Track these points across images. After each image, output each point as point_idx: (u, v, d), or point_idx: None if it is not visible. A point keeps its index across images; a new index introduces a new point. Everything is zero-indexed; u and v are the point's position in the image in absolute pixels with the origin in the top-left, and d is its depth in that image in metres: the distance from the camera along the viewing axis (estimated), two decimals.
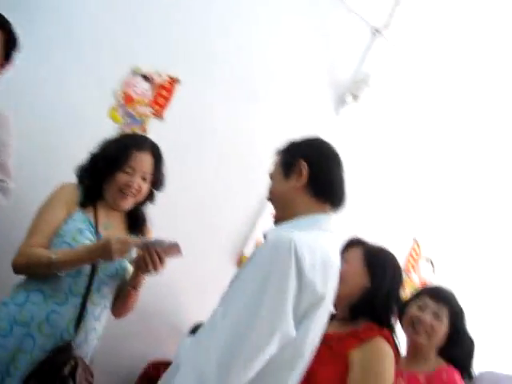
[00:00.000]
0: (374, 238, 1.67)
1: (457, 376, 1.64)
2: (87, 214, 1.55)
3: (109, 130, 2.08)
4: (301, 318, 1.09)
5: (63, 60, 2.10)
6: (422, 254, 3.16)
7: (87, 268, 1.46)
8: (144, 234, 1.67)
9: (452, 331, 1.67)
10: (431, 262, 3.21)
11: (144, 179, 1.58)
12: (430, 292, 1.76)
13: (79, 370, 1.40)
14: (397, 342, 1.50)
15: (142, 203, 1.66)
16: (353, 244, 1.61)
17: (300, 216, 1.23)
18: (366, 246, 1.59)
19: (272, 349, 1.05)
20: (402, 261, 2.92)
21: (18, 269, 1.46)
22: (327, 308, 1.19)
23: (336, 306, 1.42)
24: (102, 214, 1.58)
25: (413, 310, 1.72)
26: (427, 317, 1.68)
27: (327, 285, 1.15)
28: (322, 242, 1.18)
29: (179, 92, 2.33)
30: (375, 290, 1.48)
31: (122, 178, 1.54)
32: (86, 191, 1.57)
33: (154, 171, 1.60)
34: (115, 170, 1.54)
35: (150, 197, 1.66)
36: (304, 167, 1.22)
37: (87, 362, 1.47)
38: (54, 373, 1.36)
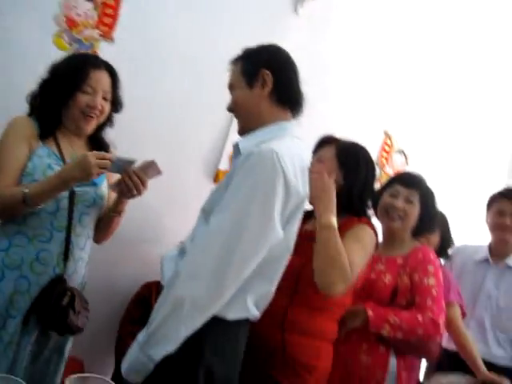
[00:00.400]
0: (345, 134, 1.70)
1: (432, 254, 1.76)
2: (50, 146, 1.49)
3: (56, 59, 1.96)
4: (288, 219, 1.19)
5: None
6: (394, 147, 3.22)
7: (65, 202, 1.45)
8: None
9: (423, 213, 1.76)
10: (404, 154, 3.29)
11: (105, 99, 1.52)
12: (401, 179, 1.83)
13: (77, 300, 1.45)
14: (375, 229, 1.58)
15: (102, 127, 1.60)
16: (326, 142, 1.64)
17: (266, 125, 1.26)
18: (339, 143, 1.62)
19: (261, 255, 1.14)
20: (374, 155, 2.99)
21: None
22: (304, 206, 1.29)
23: (312, 204, 1.47)
24: (65, 144, 1.52)
25: (386, 198, 1.80)
26: (399, 202, 1.75)
27: (306, 187, 1.25)
28: (295, 149, 1.24)
29: (126, 8, 2.17)
30: (350, 186, 1.55)
31: (82, 98, 1.47)
32: (43, 121, 1.47)
33: (112, 90, 1.54)
34: (74, 91, 1.46)
35: (108, 120, 1.60)
36: (267, 76, 1.25)
37: (80, 291, 1.51)
38: (53, 305, 1.40)
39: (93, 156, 1.35)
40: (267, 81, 1.26)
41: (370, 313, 1.57)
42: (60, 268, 1.45)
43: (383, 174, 3.09)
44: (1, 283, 1.40)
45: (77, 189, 1.47)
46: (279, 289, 1.31)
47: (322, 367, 1.50)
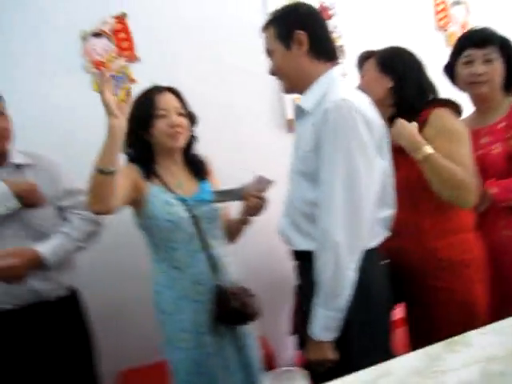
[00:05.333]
0: None
1: None
2: (156, 183, 1.59)
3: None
4: (379, 149, 1.29)
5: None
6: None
7: (192, 230, 1.58)
8: (208, 175, 1.74)
9: (508, 65, 1.60)
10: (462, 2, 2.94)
11: (181, 114, 1.61)
12: (470, 40, 1.64)
13: (241, 296, 1.60)
14: (457, 105, 1.53)
15: (190, 146, 1.70)
16: (365, 58, 1.62)
17: (312, 80, 1.34)
18: (377, 53, 1.59)
19: (376, 191, 1.28)
20: (431, 19, 2.75)
21: (94, 203, 1.36)
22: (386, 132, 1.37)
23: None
24: (168, 176, 1.63)
25: (461, 69, 1.66)
26: (478, 68, 1.60)
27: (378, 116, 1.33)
28: (352, 88, 1.35)
29: (133, 25, 2.23)
30: (400, 85, 1.53)
31: (161, 122, 1.57)
32: (143, 163, 1.58)
33: (182, 105, 1.63)
34: (151, 120, 1.57)
35: (192, 136, 1.69)
36: (303, 35, 1.32)
37: (241, 288, 1.65)
38: (228, 312, 1.57)
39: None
40: (303, 40, 1.32)
41: (493, 190, 1.52)
42: (216, 280, 1.60)
43: (450, 35, 2.81)
44: (182, 312, 1.58)
45: (196, 212, 1.59)
46: (400, 207, 1.40)
47: (477, 257, 1.51)
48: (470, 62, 1.63)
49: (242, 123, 2.39)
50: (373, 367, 1.01)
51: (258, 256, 2.31)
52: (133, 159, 1.61)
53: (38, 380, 1.63)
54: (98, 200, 1.33)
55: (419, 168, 1.42)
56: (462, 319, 1.42)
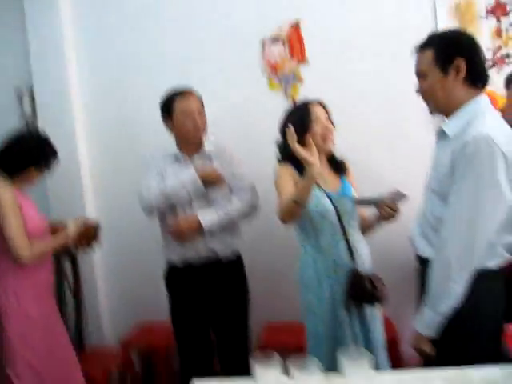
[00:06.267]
0: None
1: None
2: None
3: (278, 100, 2.53)
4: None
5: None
6: None
7: (335, 220, 1.88)
8: (347, 173, 2.03)
9: None
10: None
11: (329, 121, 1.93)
12: None
13: (373, 280, 1.86)
14: None
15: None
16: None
17: (461, 104, 1.43)
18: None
19: (498, 219, 1.37)
20: None
21: (284, 219, 1.80)
22: None
23: None
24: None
25: None
26: None
27: None
28: (497, 119, 1.42)
29: (306, 30, 2.52)
30: None
31: (316, 126, 1.88)
32: (297, 163, 1.83)
33: (328, 115, 1.96)
34: (309, 124, 1.88)
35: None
36: (462, 63, 1.39)
37: (373, 273, 1.91)
38: (362, 290, 1.84)
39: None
40: (461, 67, 1.39)
41: None
42: (351, 264, 1.88)
43: None
44: (320, 289, 1.90)
45: (338, 205, 1.88)
46: None
47: None
48: None
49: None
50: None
51: (387, 249, 2.46)
52: (288, 158, 1.92)
53: (209, 319, 2.19)
54: (288, 219, 1.80)
55: None
56: None
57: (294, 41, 2.54)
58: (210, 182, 2.09)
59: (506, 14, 2.43)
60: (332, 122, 1.96)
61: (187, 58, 2.63)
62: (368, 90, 2.48)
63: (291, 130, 1.71)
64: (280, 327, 2.55)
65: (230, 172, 2.16)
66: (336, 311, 1.89)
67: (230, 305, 2.19)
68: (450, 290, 1.39)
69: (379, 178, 2.30)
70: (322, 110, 1.93)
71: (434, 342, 1.45)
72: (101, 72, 2.77)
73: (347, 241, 1.90)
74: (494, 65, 2.43)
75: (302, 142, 1.76)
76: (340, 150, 2.03)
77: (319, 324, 1.91)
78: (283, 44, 2.55)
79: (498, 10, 2.42)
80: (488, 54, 2.41)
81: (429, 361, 1.46)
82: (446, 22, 2.39)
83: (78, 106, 2.77)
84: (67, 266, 2.64)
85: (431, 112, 1.54)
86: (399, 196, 1.82)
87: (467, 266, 1.37)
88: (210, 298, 2.17)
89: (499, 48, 2.44)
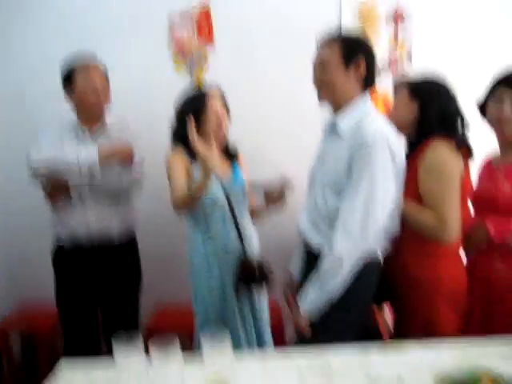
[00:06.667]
0: None
1: None
2: (197, 165, 1.85)
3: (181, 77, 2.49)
4: (397, 179, 1.51)
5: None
6: None
7: (226, 206, 1.91)
8: (238, 159, 2.06)
9: None
10: None
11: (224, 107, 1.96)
12: (504, 81, 1.70)
13: (263, 265, 1.92)
14: (466, 142, 1.68)
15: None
16: (399, 83, 1.78)
17: (349, 100, 1.54)
18: (411, 82, 1.73)
19: (387, 212, 1.50)
20: None
21: (178, 206, 1.81)
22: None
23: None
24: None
25: (491, 108, 1.73)
26: (507, 109, 1.67)
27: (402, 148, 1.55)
28: (383, 119, 1.55)
29: (216, 13, 2.50)
30: (422, 111, 1.68)
31: (213, 117, 1.90)
32: (189, 147, 1.81)
33: (224, 102, 1.98)
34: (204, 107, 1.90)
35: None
36: (362, 63, 1.51)
37: (260, 257, 1.98)
38: (250, 274, 1.90)
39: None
40: (361, 66, 1.51)
41: (491, 227, 1.65)
42: (240, 248, 1.93)
43: None
44: (212, 268, 1.93)
45: (229, 191, 1.92)
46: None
47: (448, 281, 1.67)
48: (499, 102, 1.70)
49: None
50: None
51: (273, 234, 2.53)
52: (179, 138, 1.92)
53: (97, 298, 2.12)
54: (183, 209, 1.83)
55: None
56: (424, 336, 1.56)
57: (202, 20, 2.50)
58: (122, 159, 2.02)
59: (403, 21, 2.63)
60: (228, 109, 1.97)
61: (92, 24, 2.50)
62: (270, 78, 2.53)
63: (192, 121, 1.71)
64: (172, 308, 2.56)
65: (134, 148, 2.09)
66: (225, 294, 1.94)
67: (120, 285, 2.14)
68: (338, 272, 1.47)
69: (271, 166, 2.33)
70: (219, 97, 1.94)
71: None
72: None
73: (238, 229, 1.94)
74: (389, 67, 2.62)
75: (197, 129, 1.77)
76: (235, 135, 2.05)
77: (208, 305, 1.94)
78: (191, 21, 2.50)
79: (397, 18, 2.61)
80: (385, 56, 2.61)
81: (302, 337, 1.54)
82: (350, 23, 2.54)
83: None
84: None
85: (321, 100, 1.61)
86: (287, 183, 1.86)
87: (358, 252, 1.48)
88: (100, 278, 2.10)
89: (395, 52, 2.63)
